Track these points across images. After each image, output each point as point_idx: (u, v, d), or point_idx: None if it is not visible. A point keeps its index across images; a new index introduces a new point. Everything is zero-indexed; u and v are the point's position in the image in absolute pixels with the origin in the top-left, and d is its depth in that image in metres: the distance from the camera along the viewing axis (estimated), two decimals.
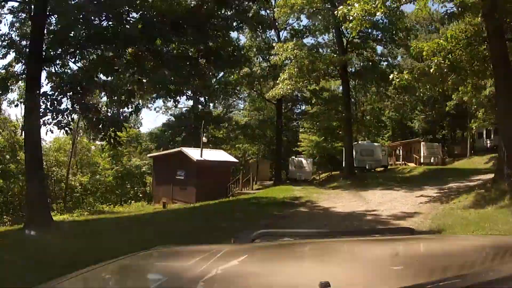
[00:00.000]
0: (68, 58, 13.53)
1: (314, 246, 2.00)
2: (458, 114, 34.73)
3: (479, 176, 18.18)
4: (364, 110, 34.89)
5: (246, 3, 16.96)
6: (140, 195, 35.86)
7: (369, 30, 26.12)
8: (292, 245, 2.03)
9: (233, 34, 31.33)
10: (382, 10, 12.80)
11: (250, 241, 1.93)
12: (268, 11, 30.71)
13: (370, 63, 28.83)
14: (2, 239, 10.61)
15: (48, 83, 13.29)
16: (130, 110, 14.17)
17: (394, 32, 26.45)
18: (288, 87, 24.02)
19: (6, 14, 13.73)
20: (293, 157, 34.18)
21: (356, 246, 2.00)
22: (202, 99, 36.36)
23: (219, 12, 15.01)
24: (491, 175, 15.64)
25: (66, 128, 12.82)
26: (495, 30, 13.31)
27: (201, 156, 26.93)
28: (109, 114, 14.15)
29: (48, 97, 12.36)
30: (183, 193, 27.27)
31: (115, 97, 13.87)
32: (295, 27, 31.89)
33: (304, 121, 38.44)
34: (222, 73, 29.11)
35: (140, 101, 20.24)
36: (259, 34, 32.34)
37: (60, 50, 13.20)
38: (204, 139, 28.84)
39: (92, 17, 12.77)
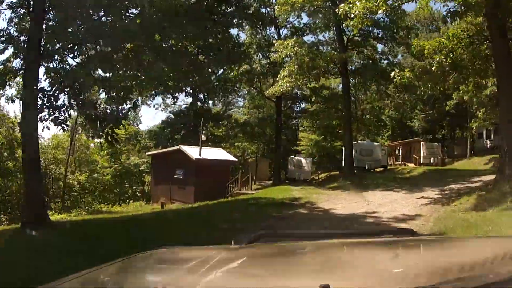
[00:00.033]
0: (67, 53, 13.41)
1: (314, 248, 1.98)
2: (458, 114, 34.57)
3: (479, 177, 18.02)
4: (364, 109, 34.76)
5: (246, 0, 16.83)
6: (139, 195, 35.70)
7: (370, 28, 25.95)
8: (292, 247, 2.04)
9: (233, 31, 31.10)
10: (383, 8, 12.68)
11: (250, 243, 1.93)
12: (268, 9, 30.53)
13: (371, 61, 28.68)
14: None
15: (46, 79, 13.19)
16: (128, 106, 14.03)
17: (395, 30, 26.33)
18: (288, 84, 23.87)
19: (4, 9, 13.60)
20: (292, 156, 33.99)
21: (356, 248, 2.00)
22: (201, 96, 36.13)
23: (220, 9, 14.86)
24: (492, 177, 15.51)
25: (63, 125, 12.67)
26: (498, 29, 13.20)
27: (200, 155, 26.71)
28: (107, 111, 14.01)
29: (45, 92, 12.20)
30: (181, 192, 27.08)
31: (114, 94, 13.72)
32: (295, 25, 31.76)
33: (304, 119, 38.29)
34: (222, 70, 28.93)
35: (139, 97, 20.10)
36: (259, 31, 32.17)
37: (58, 45, 13.10)
38: (203, 137, 28.63)
39: (91, 11, 12.60)
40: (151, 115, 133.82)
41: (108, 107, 14.27)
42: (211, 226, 11.25)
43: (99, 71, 13.32)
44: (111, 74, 13.58)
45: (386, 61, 29.74)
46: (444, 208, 12.25)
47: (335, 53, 26.06)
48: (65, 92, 12.73)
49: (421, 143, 34.35)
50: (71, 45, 13.09)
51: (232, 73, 30.96)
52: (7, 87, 14.34)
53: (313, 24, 29.95)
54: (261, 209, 15.00)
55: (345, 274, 1.44)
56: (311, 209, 14.76)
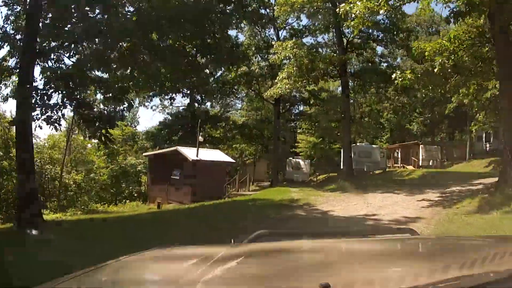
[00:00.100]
0: (63, 52, 13.24)
1: (313, 247, 1.99)
2: (457, 117, 34.49)
3: (480, 180, 17.88)
4: (363, 112, 34.67)
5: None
6: (135, 195, 35.47)
7: (370, 30, 25.85)
8: (291, 246, 2.04)
9: (232, 32, 30.97)
10: (385, 8, 12.53)
11: (249, 242, 1.94)
12: (267, 10, 30.39)
13: (370, 64, 28.55)
14: None
15: (42, 78, 13.03)
16: (123, 106, 13.84)
17: (395, 32, 26.20)
18: (287, 86, 23.71)
19: (0, 6, 13.53)
20: (290, 158, 33.89)
21: (356, 247, 2.00)
22: (198, 96, 35.94)
23: (218, 8, 14.67)
24: (493, 179, 15.40)
25: (56, 124, 12.44)
26: (500, 30, 13.04)
27: (197, 156, 26.54)
28: (104, 111, 13.87)
29: (38, 91, 12.02)
30: (178, 193, 26.89)
31: (110, 94, 13.56)
32: (294, 26, 31.58)
33: (302, 121, 38.17)
34: (220, 72, 28.76)
35: (137, 98, 19.89)
36: (258, 32, 32.01)
37: (54, 44, 12.94)
38: (201, 138, 28.49)
39: (87, 9, 12.45)
40: (148, 116, 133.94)
41: (102, 107, 14.12)
42: (209, 227, 11.09)
43: (95, 71, 13.19)
44: (107, 74, 13.43)
45: (385, 64, 29.68)
46: (446, 210, 12.05)
47: (335, 55, 25.90)
48: (59, 92, 12.56)
49: (420, 146, 34.29)
50: (67, 43, 12.95)
51: (230, 75, 30.80)
52: (3, 86, 14.24)
53: (313, 26, 29.84)
54: (259, 210, 14.81)
55: (345, 273, 1.44)
56: (309, 211, 14.48)
